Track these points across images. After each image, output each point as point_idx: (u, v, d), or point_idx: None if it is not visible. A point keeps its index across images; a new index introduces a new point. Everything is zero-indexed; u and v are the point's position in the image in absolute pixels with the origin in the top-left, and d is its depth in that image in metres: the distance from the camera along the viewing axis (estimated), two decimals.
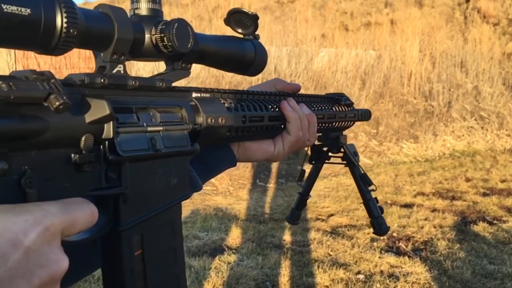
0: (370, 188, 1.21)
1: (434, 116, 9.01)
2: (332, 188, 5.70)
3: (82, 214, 0.47)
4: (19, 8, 0.43)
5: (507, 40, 12.34)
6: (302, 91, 0.98)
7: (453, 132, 8.76)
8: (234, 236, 4.02)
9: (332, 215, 4.69)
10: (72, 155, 0.51)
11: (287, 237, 4.03)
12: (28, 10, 0.44)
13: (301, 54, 9.23)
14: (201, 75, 8.20)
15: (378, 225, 1.20)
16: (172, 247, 0.66)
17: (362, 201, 1.22)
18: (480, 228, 4.32)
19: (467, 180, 6.15)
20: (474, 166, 7.08)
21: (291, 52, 9.24)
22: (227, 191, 5.68)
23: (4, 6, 0.42)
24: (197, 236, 3.99)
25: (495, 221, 4.51)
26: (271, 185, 5.93)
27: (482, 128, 9.09)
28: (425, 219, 4.54)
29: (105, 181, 0.56)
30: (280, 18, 12.21)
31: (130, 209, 0.58)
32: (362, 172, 1.21)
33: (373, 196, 1.21)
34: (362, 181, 1.20)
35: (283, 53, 9.10)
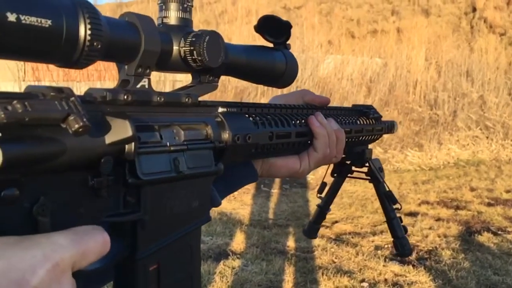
0: (394, 206, 1.12)
1: (439, 125, 9.01)
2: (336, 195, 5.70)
3: (94, 244, 0.43)
4: (39, 19, 0.40)
5: None
6: None
7: (458, 141, 8.75)
8: (239, 241, 4.03)
9: (336, 222, 4.69)
10: (89, 178, 0.47)
11: (291, 243, 4.03)
12: (49, 22, 0.40)
13: (307, 60, 9.25)
14: None
15: (402, 246, 1.12)
16: (189, 273, 0.61)
17: (385, 219, 1.13)
18: (484, 238, 4.31)
19: (472, 189, 6.13)
20: (478, 175, 7.06)
21: (297, 58, 9.18)
22: (232, 195, 5.69)
23: (22, 18, 0.38)
24: (201, 240, 3.99)
25: (499, 232, 4.50)
26: (276, 191, 5.94)
27: (487, 137, 9.07)
28: (430, 228, 4.53)
29: (123, 206, 0.52)
30: None
31: (148, 235, 0.53)
32: (387, 189, 1.13)
33: (397, 215, 1.12)
34: (387, 199, 1.12)
35: None
